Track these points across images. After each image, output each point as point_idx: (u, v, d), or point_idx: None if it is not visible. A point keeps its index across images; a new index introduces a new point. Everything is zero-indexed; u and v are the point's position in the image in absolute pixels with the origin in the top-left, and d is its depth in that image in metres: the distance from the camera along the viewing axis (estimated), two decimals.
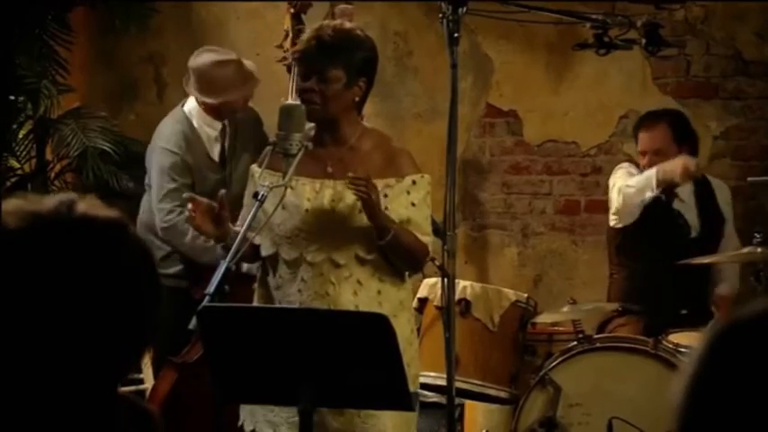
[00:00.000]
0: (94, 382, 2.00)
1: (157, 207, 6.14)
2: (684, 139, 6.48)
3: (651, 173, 6.20)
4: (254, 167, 4.79)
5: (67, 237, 1.99)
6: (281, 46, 5.98)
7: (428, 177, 4.78)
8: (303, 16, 5.92)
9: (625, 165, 6.53)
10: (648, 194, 6.22)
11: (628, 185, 6.30)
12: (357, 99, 4.69)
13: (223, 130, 6.29)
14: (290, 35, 5.89)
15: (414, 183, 4.70)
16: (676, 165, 6.15)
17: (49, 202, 2.03)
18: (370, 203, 4.46)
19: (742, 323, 1.22)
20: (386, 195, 4.60)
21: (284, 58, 5.97)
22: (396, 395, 4.40)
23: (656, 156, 6.39)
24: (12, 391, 1.93)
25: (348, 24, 4.85)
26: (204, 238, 5.74)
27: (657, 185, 6.16)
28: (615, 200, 6.35)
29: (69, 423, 1.97)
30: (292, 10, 5.95)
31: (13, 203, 2.03)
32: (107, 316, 1.97)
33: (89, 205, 2.03)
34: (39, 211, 2.00)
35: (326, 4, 6.28)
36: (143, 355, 2.14)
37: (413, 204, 4.68)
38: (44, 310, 1.94)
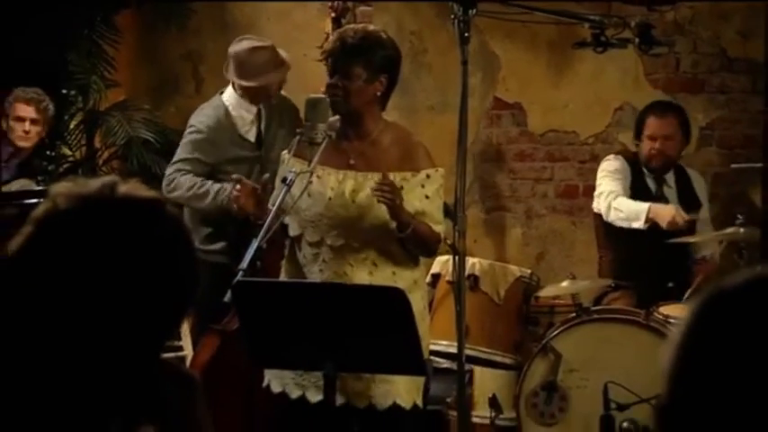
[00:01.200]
0: (138, 347, 2.00)
1: (169, 167, 6.18)
2: (686, 129, 6.49)
3: (643, 209, 6.17)
4: (284, 154, 4.79)
5: (110, 214, 2.00)
6: (321, 47, 6.00)
7: (442, 171, 4.76)
8: (342, 20, 5.94)
9: (612, 161, 6.49)
10: (635, 225, 6.22)
11: (617, 209, 6.29)
12: (378, 94, 4.67)
13: (258, 114, 6.30)
14: (330, 35, 5.91)
15: (428, 176, 4.69)
16: (668, 213, 6.13)
17: (94, 184, 2.03)
18: (393, 207, 4.46)
19: (726, 292, 1.21)
20: (402, 188, 4.59)
21: (323, 58, 5.99)
22: (411, 362, 4.41)
23: (667, 140, 6.38)
24: (64, 358, 1.94)
25: (371, 27, 4.84)
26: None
27: (646, 222, 6.16)
28: (603, 209, 6.34)
29: (116, 385, 1.98)
30: (333, 14, 5.99)
31: (62, 186, 2.03)
32: (147, 286, 1.98)
33: (130, 187, 2.04)
34: (85, 193, 2.01)
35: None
36: (182, 323, 2.15)
37: (426, 197, 4.66)
38: (91, 281, 1.94)
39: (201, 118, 6.26)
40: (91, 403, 1.96)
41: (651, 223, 6.15)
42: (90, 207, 1.99)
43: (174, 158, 6.21)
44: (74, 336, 1.94)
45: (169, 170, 6.18)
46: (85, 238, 1.97)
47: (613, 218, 6.34)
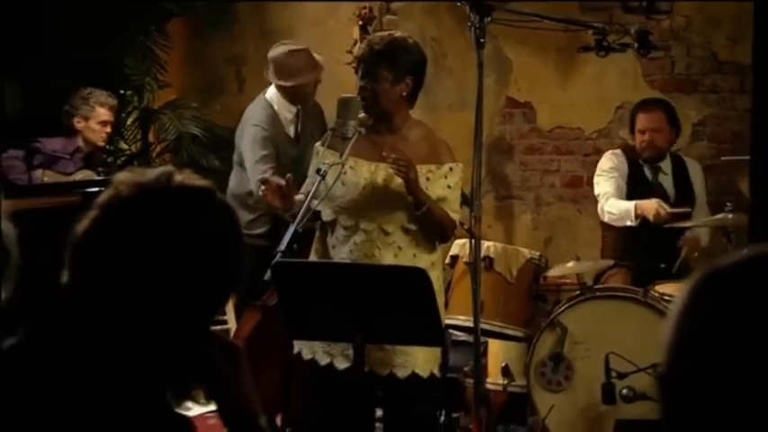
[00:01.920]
0: (191, 321, 2.02)
1: (254, 168, 6.14)
2: (674, 123, 6.48)
3: (630, 206, 6.18)
4: (318, 146, 4.80)
5: (167, 201, 2.01)
6: (350, 51, 6.00)
7: (461, 165, 4.77)
8: (369, 27, 5.94)
9: (609, 158, 6.49)
10: (627, 222, 6.23)
11: (609, 212, 6.31)
12: (404, 94, 4.67)
13: (297, 114, 6.32)
14: (358, 42, 5.91)
15: (450, 169, 4.70)
16: (652, 208, 6.13)
17: (152, 173, 2.04)
18: (408, 179, 4.47)
19: (721, 270, 1.20)
20: (428, 179, 4.60)
21: (353, 62, 5.99)
22: (430, 334, 4.43)
23: (655, 132, 6.38)
24: (128, 328, 1.96)
25: (397, 33, 4.83)
26: None
27: (636, 218, 6.16)
28: (601, 207, 6.37)
29: (173, 354, 1.99)
30: (360, 22, 5.97)
31: (124, 175, 2.04)
32: (199, 265, 1.99)
33: (184, 176, 2.05)
34: (144, 181, 2.02)
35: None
36: (229, 300, 2.15)
37: (448, 187, 4.67)
38: (149, 260, 1.95)
39: (257, 118, 6.27)
40: (151, 369, 1.97)
41: (641, 219, 6.16)
42: (148, 194, 2.00)
43: (255, 157, 6.16)
44: (135, 309, 1.95)
45: (261, 167, 6.10)
46: (145, 222, 1.98)
47: (608, 219, 6.36)
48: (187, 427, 2.01)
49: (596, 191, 6.44)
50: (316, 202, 4.54)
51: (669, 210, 6.13)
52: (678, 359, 1.16)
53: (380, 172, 4.63)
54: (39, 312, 1.99)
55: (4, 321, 1.48)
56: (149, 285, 1.95)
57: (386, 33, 4.89)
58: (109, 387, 1.89)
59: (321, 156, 4.71)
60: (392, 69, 4.61)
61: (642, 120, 6.44)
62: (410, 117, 4.74)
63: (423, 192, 4.54)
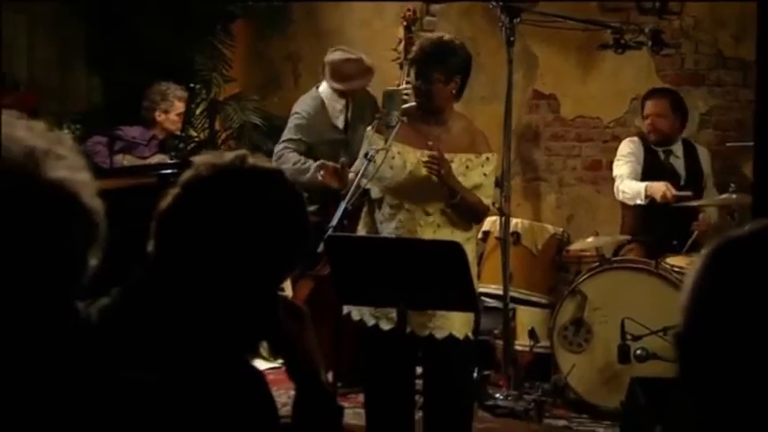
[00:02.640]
0: (263, 286, 2.03)
1: (279, 146, 6.20)
2: (678, 109, 6.45)
3: (641, 187, 6.19)
4: (369, 130, 4.80)
5: (241, 180, 2.02)
6: (395, 49, 6.01)
7: (496, 155, 4.76)
8: (412, 27, 5.94)
9: (627, 144, 6.48)
10: (638, 201, 6.22)
11: (624, 191, 6.31)
12: (454, 92, 4.67)
13: (346, 106, 6.33)
14: (403, 41, 5.92)
15: (487, 159, 4.68)
16: (659, 190, 6.11)
17: (228, 156, 2.06)
18: (440, 176, 4.46)
19: (733, 240, 1.19)
20: (467, 167, 4.58)
21: (397, 58, 6.00)
22: (465, 300, 4.43)
23: (658, 117, 6.37)
24: (206, 293, 1.97)
25: (447, 36, 4.80)
26: (295, 168, 5.87)
27: (645, 197, 6.15)
28: (617, 187, 6.38)
29: (247, 313, 2.01)
30: (404, 23, 5.98)
31: (204, 157, 2.06)
32: (269, 237, 2.00)
33: (256, 160, 2.07)
34: (221, 163, 2.04)
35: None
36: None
37: (484, 174, 4.65)
38: (225, 232, 1.97)
39: (304, 106, 6.29)
40: (227, 327, 1.99)
41: (650, 198, 6.14)
42: (225, 174, 2.01)
43: (282, 138, 6.25)
44: (212, 275, 1.97)
45: (278, 147, 6.21)
46: (221, 199, 1.99)
47: (621, 198, 6.36)
48: (260, 377, 2.03)
49: (614, 173, 6.44)
50: (364, 181, 4.56)
51: (675, 192, 6.11)
52: (694, 321, 1.16)
53: (414, 156, 4.63)
54: (128, 277, 2.02)
55: (93, 285, 1.49)
56: (225, 255, 1.96)
57: (435, 36, 4.84)
58: (191, 342, 1.91)
59: (371, 140, 4.72)
60: (443, 71, 4.58)
61: (648, 106, 6.45)
62: (454, 111, 4.73)
63: (456, 183, 4.52)
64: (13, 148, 1.39)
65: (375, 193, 4.68)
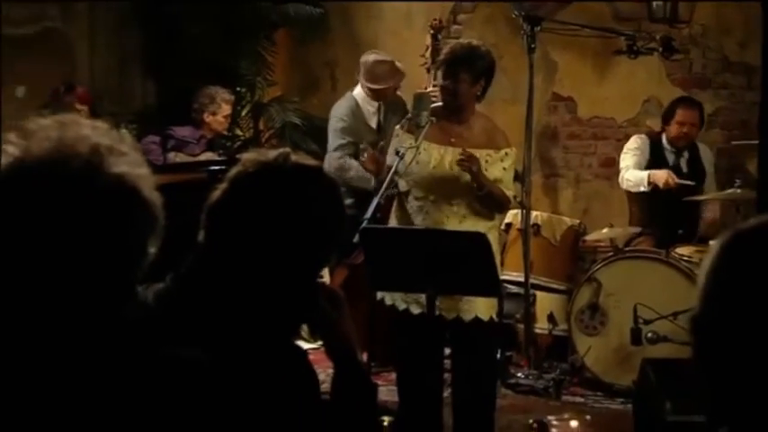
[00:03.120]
0: (302, 272, 2.03)
1: (332, 154, 6.20)
2: (703, 120, 6.45)
3: (645, 175, 6.17)
4: (398, 129, 4.80)
5: (284, 176, 2.02)
6: (423, 55, 6.00)
7: (515, 150, 4.74)
8: (439, 36, 5.93)
9: (635, 140, 6.46)
10: (641, 188, 6.20)
11: (627, 179, 6.29)
12: (478, 94, 4.66)
13: (378, 108, 6.33)
14: (430, 48, 5.91)
15: (506, 154, 4.67)
16: (662, 177, 6.09)
17: (272, 154, 2.07)
18: (472, 172, 4.46)
19: (745, 231, 1.18)
20: (486, 161, 4.58)
21: (425, 64, 5.99)
22: (489, 286, 4.43)
23: (692, 127, 6.34)
24: (252, 279, 1.98)
25: (475, 42, 4.79)
26: (360, 173, 5.85)
27: (648, 184, 6.12)
28: (621, 176, 6.35)
29: (289, 298, 2.01)
30: (432, 31, 5.98)
31: (249, 155, 2.07)
32: (310, 229, 2.00)
33: (298, 157, 2.07)
34: (266, 160, 2.04)
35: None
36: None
37: (504, 168, 4.64)
38: (270, 224, 1.97)
39: (341, 110, 6.31)
40: (271, 310, 2.00)
41: (653, 186, 6.11)
42: (269, 170, 2.02)
43: (332, 146, 6.22)
44: (258, 262, 1.97)
45: (336, 154, 6.15)
46: (266, 193, 2.00)
47: (626, 186, 6.33)
48: (303, 356, 2.04)
49: (620, 165, 6.42)
50: (395, 177, 4.57)
51: (677, 180, 6.09)
52: (708, 306, 1.15)
53: (448, 155, 4.61)
54: (180, 264, 2.03)
55: (151, 272, 1.51)
56: (269, 244, 1.97)
57: (466, 42, 4.83)
58: (239, 324, 1.92)
59: (400, 138, 4.72)
60: (470, 72, 4.57)
61: (684, 114, 6.36)
62: (475, 110, 4.72)
63: (484, 178, 4.52)
64: (79, 145, 1.40)
65: (402, 186, 4.68)
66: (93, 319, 1.40)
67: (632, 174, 6.25)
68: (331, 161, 6.17)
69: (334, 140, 6.25)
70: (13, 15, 6.93)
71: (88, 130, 1.43)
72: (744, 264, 1.14)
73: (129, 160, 1.44)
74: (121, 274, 1.42)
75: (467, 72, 4.57)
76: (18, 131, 1.41)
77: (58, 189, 1.38)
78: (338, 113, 6.31)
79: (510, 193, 4.72)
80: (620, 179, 6.36)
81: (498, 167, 4.62)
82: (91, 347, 1.40)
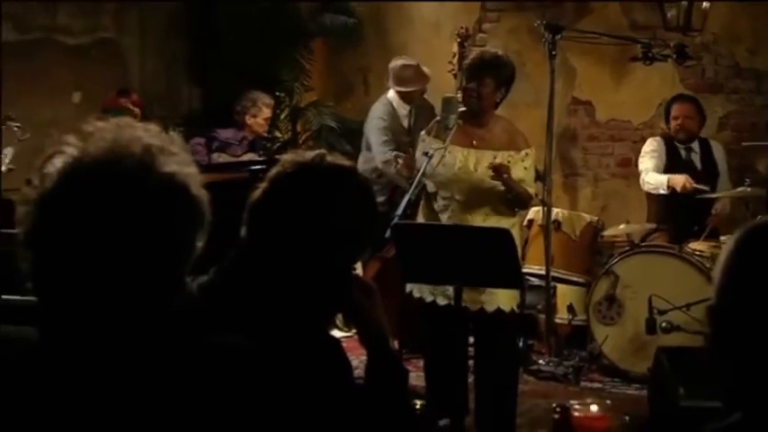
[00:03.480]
0: (338, 265, 2.04)
1: (379, 150, 6.20)
2: (700, 113, 6.40)
3: (664, 179, 6.12)
4: (423, 134, 4.80)
5: (320, 175, 2.03)
6: (450, 62, 6.00)
7: (534, 150, 4.74)
8: (465, 43, 5.93)
9: (651, 142, 6.42)
10: (661, 191, 6.16)
11: (648, 182, 6.25)
12: (498, 100, 4.67)
13: (410, 112, 6.34)
14: (457, 55, 5.90)
15: (526, 154, 4.67)
16: (680, 182, 6.05)
17: (309, 154, 2.07)
18: (503, 181, 4.49)
19: (759, 226, 1.16)
20: (509, 162, 4.58)
21: (452, 70, 5.98)
22: (512, 279, 4.43)
23: (686, 119, 6.31)
24: (291, 272, 1.99)
25: (500, 51, 4.79)
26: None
27: (667, 188, 6.08)
28: (642, 179, 6.31)
29: (325, 289, 2.02)
30: (459, 39, 5.97)
31: (288, 155, 2.07)
32: (345, 224, 2.00)
33: (334, 158, 2.07)
34: (303, 160, 2.05)
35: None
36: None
37: (525, 168, 4.64)
38: (308, 220, 1.98)
39: (379, 112, 6.33)
40: (309, 300, 2.00)
41: (672, 189, 6.08)
42: (307, 170, 2.02)
43: (378, 141, 6.23)
44: (296, 256, 1.98)
45: (384, 149, 6.17)
46: (304, 192, 2.00)
47: (646, 188, 6.30)
48: (337, 344, 2.04)
49: (640, 167, 6.39)
50: (424, 178, 4.57)
51: (694, 185, 6.05)
52: (725, 296, 1.14)
53: (471, 156, 4.61)
54: (224, 258, 2.04)
55: (198, 265, 1.51)
56: (307, 240, 1.98)
57: (492, 50, 4.85)
58: (278, 313, 1.93)
59: (426, 142, 4.72)
60: (495, 79, 4.59)
61: (676, 109, 6.38)
62: (495, 114, 4.72)
63: (513, 182, 4.53)
64: (133, 145, 1.41)
65: (430, 187, 4.69)
66: (147, 310, 1.40)
67: (652, 177, 6.22)
68: (378, 156, 6.20)
69: (378, 138, 6.27)
70: (70, 26, 6.99)
71: (141, 131, 1.44)
72: (758, 258, 1.12)
73: (179, 160, 1.44)
74: (172, 266, 1.42)
75: (491, 77, 4.58)
76: (76, 133, 1.42)
77: (113, 187, 1.38)
78: (377, 114, 6.33)
79: (532, 191, 4.72)
80: (640, 181, 6.33)
81: (520, 167, 4.62)
82: (145, 337, 1.40)
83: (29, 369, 1.41)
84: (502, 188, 4.53)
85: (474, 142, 4.60)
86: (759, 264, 1.12)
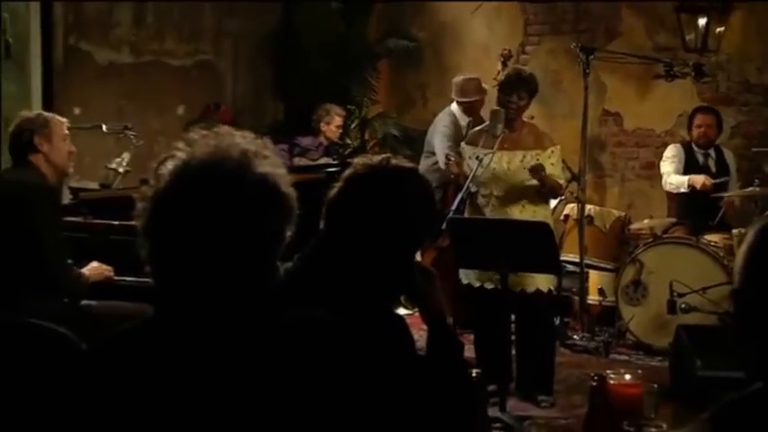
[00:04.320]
0: (403, 254, 2.04)
1: (441, 152, 6.13)
2: (720, 123, 6.29)
3: (685, 179, 6.02)
4: (463, 144, 4.94)
5: (388, 176, 2.03)
6: (495, 78, 5.96)
7: (559, 147, 4.74)
8: (507, 63, 5.89)
9: (671, 148, 6.30)
10: (682, 190, 6.05)
11: (670, 183, 6.14)
12: (525, 110, 4.69)
13: (469, 123, 6.30)
14: (500, 72, 5.86)
15: (552, 152, 4.67)
16: (700, 180, 5.95)
17: (377, 158, 2.07)
18: (540, 178, 4.49)
19: None
20: (537, 159, 4.58)
21: (496, 86, 5.95)
22: (551, 265, 4.41)
23: (708, 128, 6.19)
24: (363, 259, 1.98)
25: (529, 70, 4.84)
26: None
27: (688, 187, 5.98)
28: (665, 180, 6.19)
29: (392, 274, 2.01)
30: (503, 59, 5.94)
31: (359, 159, 2.08)
32: (409, 218, 2.00)
33: (398, 161, 2.07)
34: (372, 163, 2.04)
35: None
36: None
37: (552, 164, 4.64)
38: (378, 215, 1.97)
39: (445, 121, 6.27)
40: (378, 284, 2.00)
41: (691, 188, 5.98)
42: (376, 171, 2.02)
43: (442, 146, 6.10)
44: (368, 246, 1.98)
45: (445, 152, 6.12)
46: (374, 190, 2.00)
47: (668, 188, 6.20)
48: (402, 321, 2.04)
49: (662, 170, 6.29)
50: (473, 178, 4.57)
51: (713, 181, 5.94)
52: (747, 280, 1.11)
53: (504, 157, 4.63)
54: (306, 247, 2.05)
55: (285, 252, 1.52)
56: (376, 231, 1.98)
57: (526, 69, 4.91)
58: (352, 295, 1.93)
59: (465, 151, 4.79)
60: (527, 92, 4.63)
61: (699, 118, 6.26)
62: (523, 120, 4.75)
63: (547, 179, 4.51)
64: (232, 150, 1.42)
65: (472, 188, 4.69)
66: (247, 288, 1.41)
67: (674, 178, 6.13)
68: (440, 157, 6.14)
69: (442, 143, 6.17)
70: (175, 50, 7.09)
71: (239, 138, 1.45)
72: None
73: (271, 162, 1.45)
74: (267, 252, 1.43)
75: (525, 91, 4.63)
76: (184, 140, 1.44)
77: (216, 185, 1.40)
78: (443, 122, 6.29)
79: (561, 182, 4.75)
80: (663, 183, 6.23)
81: (548, 163, 4.62)
82: (246, 311, 1.41)
83: (146, 339, 1.42)
84: (535, 183, 4.54)
85: (505, 145, 4.61)
86: None
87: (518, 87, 4.61)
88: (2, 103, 5.52)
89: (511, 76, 4.68)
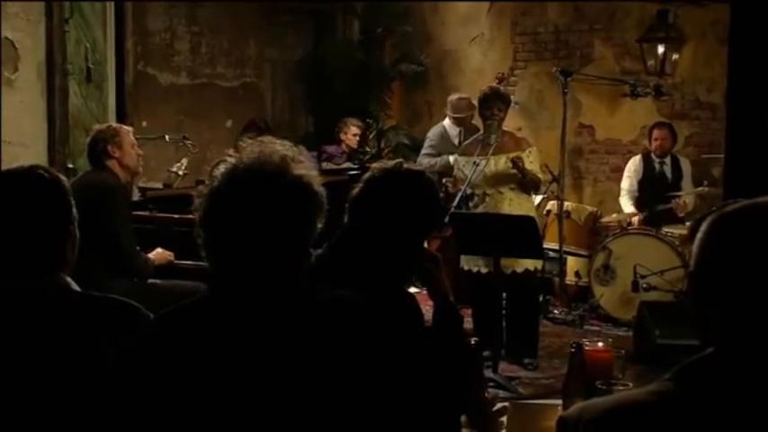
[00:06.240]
0: (414, 242, 2.03)
1: (420, 158, 6.09)
2: (673, 136, 6.24)
3: (628, 211, 6.04)
4: (456, 155, 4.96)
5: (400, 177, 2.02)
6: None
7: (536, 148, 4.76)
8: (502, 82, 5.89)
9: (631, 163, 6.25)
10: (625, 211, 6.07)
11: (621, 202, 6.16)
12: (504, 119, 4.71)
13: (460, 132, 6.27)
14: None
15: (530, 152, 4.69)
16: (635, 219, 5.94)
17: (391, 162, 2.06)
18: (520, 168, 4.49)
19: (724, 212, 1.10)
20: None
21: (478, 101, 5.93)
22: (536, 251, 4.39)
23: (663, 141, 6.14)
24: (380, 246, 1.97)
25: (503, 88, 4.86)
26: (443, 162, 5.83)
27: (628, 218, 6.00)
28: (621, 196, 6.20)
29: (404, 258, 2.00)
30: (497, 80, 5.92)
31: (376, 164, 2.08)
32: (417, 213, 1.99)
33: (409, 165, 2.07)
34: (387, 167, 2.04)
35: None
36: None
37: (531, 162, 4.66)
38: (392, 210, 1.97)
39: (432, 135, 6.25)
40: (392, 266, 2.00)
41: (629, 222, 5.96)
42: (390, 173, 2.02)
43: (423, 153, 6.17)
44: (383, 236, 1.97)
45: (423, 158, 6.13)
46: (389, 189, 2.00)
47: (620, 202, 6.20)
48: (413, 297, 2.04)
49: (621, 185, 6.29)
50: (468, 184, 4.56)
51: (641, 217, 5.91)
52: (701, 263, 1.11)
53: (491, 161, 4.63)
54: (333, 237, 2.04)
55: (316, 241, 1.52)
56: (392, 224, 1.97)
57: (496, 85, 5.00)
58: (371, 276, 1.93)
59: (458, 160, 4.81)
60: (503, 104, 4.66)
61: (656, 133, 6.22)
62: (502, 128, 4.73)
63: (526, 170, 4.50)
64: (273, 156, 1.43)
65: (469, 188, 4.68)
66: (287, 271, 1.42)
67: (623, 201, 6.18)
68: (421, 161, 6.14)
69: (423, 150, 6.20)
70: (225, 74, 7.12)
71: (279, 146, 1.45)
72: (724, 235, 1.09)
73: (305, 166, 1.45)
74: (302, 240, 1.44)
75: (504, 104, 4.65)
76: (234, 149, 1.45)
77: (259, 184, 1.40)
78: (430, 135, 6.26)
79: (540, 176, 4.75)
80: (619, 198, 6.25)
81: (527, 161, 4.61)
82: (286, 290, 1.42)
83: (201, 312, 1.43)
84: (518, 175, 4.53)
85: (493, 151, 4.60)
86: (725, 239, 1.09)
87: (496, 101, 4.61)
88: (85, 118, 5.63)
89: (488, 94, 4.68)
